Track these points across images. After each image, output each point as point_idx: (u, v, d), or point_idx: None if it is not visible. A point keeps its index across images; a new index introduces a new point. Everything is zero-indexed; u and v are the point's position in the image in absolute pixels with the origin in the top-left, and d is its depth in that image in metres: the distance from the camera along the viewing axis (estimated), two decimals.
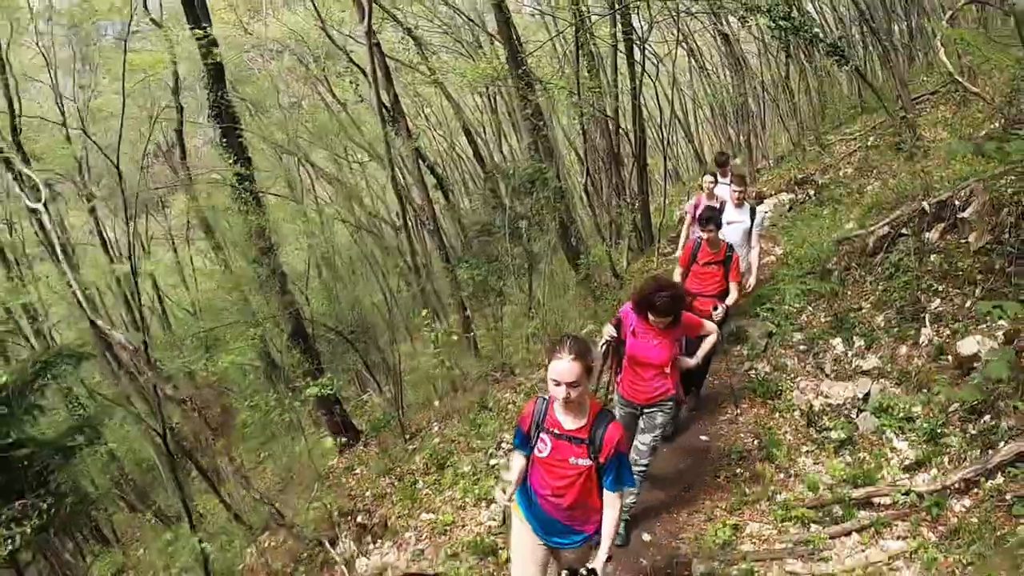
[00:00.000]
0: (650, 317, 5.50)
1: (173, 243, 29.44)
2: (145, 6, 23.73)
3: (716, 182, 10.88)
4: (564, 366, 3.74)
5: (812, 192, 17.43)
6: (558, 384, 3.78)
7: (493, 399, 9.94)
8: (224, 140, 14.53)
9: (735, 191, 9.13)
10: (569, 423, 3.97)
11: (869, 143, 17.72)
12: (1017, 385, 6.23)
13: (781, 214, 17.46)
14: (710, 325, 5.97)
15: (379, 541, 7.12)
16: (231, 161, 14.11)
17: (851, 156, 18.11)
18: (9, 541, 6.75)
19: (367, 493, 8.25)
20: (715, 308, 6.86)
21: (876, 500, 5.90)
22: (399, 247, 18.01)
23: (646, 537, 6.01)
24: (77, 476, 9.38)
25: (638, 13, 17.17)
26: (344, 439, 12.98)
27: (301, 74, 27.61)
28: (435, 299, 16.18)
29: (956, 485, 5.60)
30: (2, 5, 19.28)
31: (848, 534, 5.62)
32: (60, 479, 8.10)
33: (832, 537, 5.60)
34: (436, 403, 13.09)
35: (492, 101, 27.39)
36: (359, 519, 7.56)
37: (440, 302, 16.46)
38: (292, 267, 21.81)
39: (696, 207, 10.39)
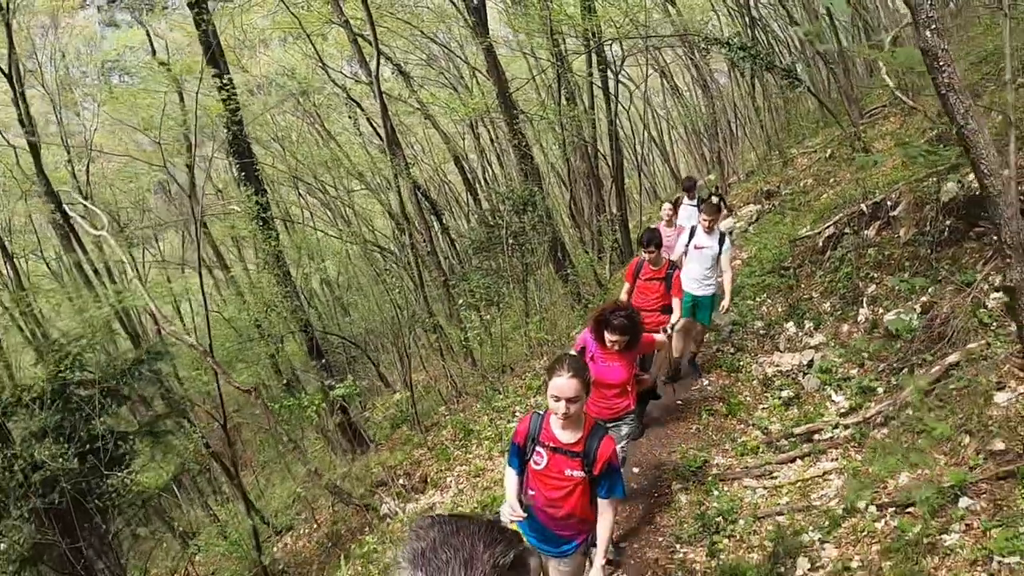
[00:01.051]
0: (606, 336, 5.80)
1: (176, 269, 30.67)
2: (152, 52, 25.43)
3: (675, 211, 11.45)
4: (564, 383, 3.94)
5: (777, 203, 19.02)
6: (558, 400, 3.98)
7: (501, 384, 11.49)
8: (243, 174, 16.02)
9: (705, 219, 9.21)
10: (565, 437, 4.15)
11: (827, 155, 19.35)
12: (927, 342, 7.84)
13: (749, 223, 19.07)
14: (660, 338, 6.56)
15: (420, 495, 8.62)
16: (249, 194, 15.57)
17: (810, 168, 19.72)
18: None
19: (404, 462, 9.76)
20: (664, 330, 7.64)
21: (816, 437, 7.44)
22: (405, 267, 19.51)
23: (635, 469, 7.55)
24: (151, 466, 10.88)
25: (611, 47, 18.78)
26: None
27: (290, 107, 28.95)
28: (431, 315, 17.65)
29: (875, 418, 7.15)
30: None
31: (793, 460, 7.15)
32: (144, 460, 9.60)
33: (780, 463, 7.14)
34: (442, 408, 14.57)
35: (474, 129, 28.84)
36: (400, 481, 9.07)
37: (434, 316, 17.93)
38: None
39: None
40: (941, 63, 4.23)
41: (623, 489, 4.31)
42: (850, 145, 16.80)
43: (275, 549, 12.15)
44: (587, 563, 4.42)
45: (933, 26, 4.23)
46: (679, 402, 9.16)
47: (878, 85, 23.25)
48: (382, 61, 23.39)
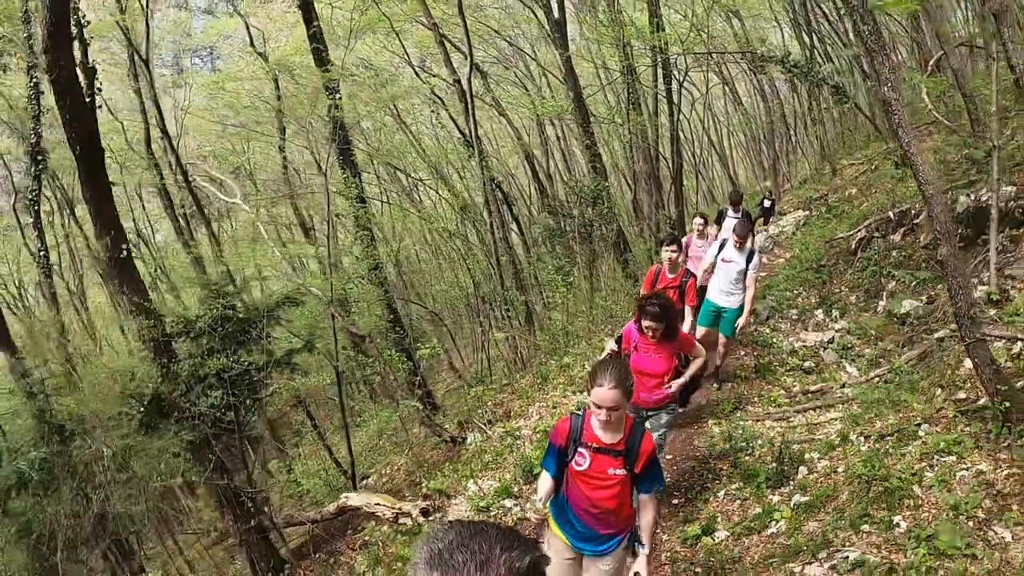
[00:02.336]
0: (643, 324, 6.14)
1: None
2: (251, 43, 27.56)
3: (706, 224, 11.58)
4: (605, 393, 4.01)
5: (823, 209, 20.65)
6: (599, 407, 4.08)
7: (571, 346, 13.46)
8: (341, 159, 18.17)
9: (736, 239, 9.42)
10: (607, 438, 4.23)
11: (872, 168, 20.93)
12: (928, 324, 9.60)
13: (797, 227, 20.75)
14: (700, 348, 6.70)
15: (505, 424, 10.56)
16: (347, 176, 17.70)
17: (857, 179, 21.29)
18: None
19: (488, 403, 11.72)
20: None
21: (827, 394, 9.22)
22: (482, 250, 21.44)
23: (680, 410, 9.36)
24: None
25: (675, 60, 20.49)
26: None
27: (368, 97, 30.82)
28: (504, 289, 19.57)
29: (875, 380, 8.91)
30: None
31: (806, 411, 8.92)
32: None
33: (796, 412, 8.93)
34: (504, 382, 16.51)
35: (541, 126, 30.52)
36: (487, 418, 11.02)
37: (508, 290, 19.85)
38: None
39: (687, 246, 10.98)
40: (895, 109, 6.03)
41: (663, 479, 4.59)
42: (892, 158, 18.35)
43: (359, 488, 14.16)
44: (628, 557, 4.50)
45: (889, 83, 6.02)
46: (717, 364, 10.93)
47: (917, 105, 24.67)
48: (462, 61, 25.33)
